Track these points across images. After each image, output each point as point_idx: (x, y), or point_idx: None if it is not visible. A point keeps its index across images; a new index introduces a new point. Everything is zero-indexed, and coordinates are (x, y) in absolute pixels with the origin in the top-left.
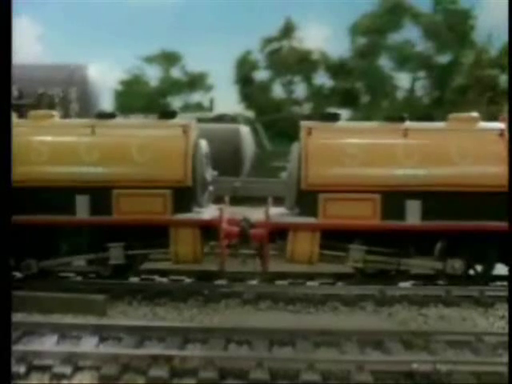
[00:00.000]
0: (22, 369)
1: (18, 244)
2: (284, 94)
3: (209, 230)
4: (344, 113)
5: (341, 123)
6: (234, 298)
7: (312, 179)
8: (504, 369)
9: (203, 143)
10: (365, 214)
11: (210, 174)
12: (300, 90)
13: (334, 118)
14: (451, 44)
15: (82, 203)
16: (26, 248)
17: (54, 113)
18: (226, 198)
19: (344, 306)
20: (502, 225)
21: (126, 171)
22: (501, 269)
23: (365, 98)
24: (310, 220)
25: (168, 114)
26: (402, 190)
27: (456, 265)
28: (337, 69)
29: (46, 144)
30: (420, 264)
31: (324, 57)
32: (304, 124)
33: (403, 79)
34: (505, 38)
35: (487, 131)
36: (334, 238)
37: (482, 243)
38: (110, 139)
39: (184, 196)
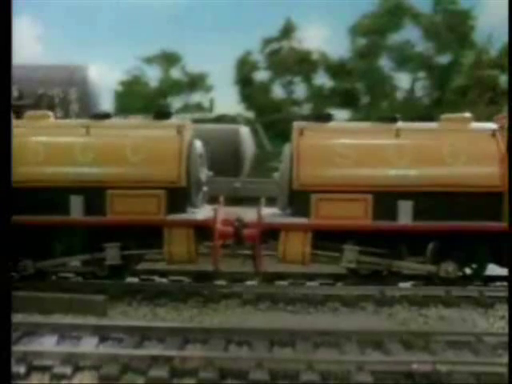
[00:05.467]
0: (22, 369)
1: (14, 245)
2: (284, 95)
3: (203, 230)
4: (344, 113)
5: (333, 124)
6: (233, 299)
7: (304, 179)
8: (504, 369)
9: (198, 143)
10: (357, 214)
11: (204, 174)
12: (300, 90)
13: (327, 118)
14: (451, 44)
15: (77, 203)
16: (22, 249)
17: (50, 113)
18: (221, 198)
19: (344, 307)
20: (494, 225)
21: (120, 171)
22: (501, 269)
23: (365, 99)
24: (302, 220)
25: (163, 114)
26: (394, 191)
27: (449, 268)
28: (337, 69)
29: (41, 144)
30: (413, 267)
31: (324, 57)
32: (296, 125)
33: (403, 80)
34: (505, 38)
35: (479, 131)
36: (328, 239)
37: (474, 243)
38: (104, 140)
39: (178, 196)
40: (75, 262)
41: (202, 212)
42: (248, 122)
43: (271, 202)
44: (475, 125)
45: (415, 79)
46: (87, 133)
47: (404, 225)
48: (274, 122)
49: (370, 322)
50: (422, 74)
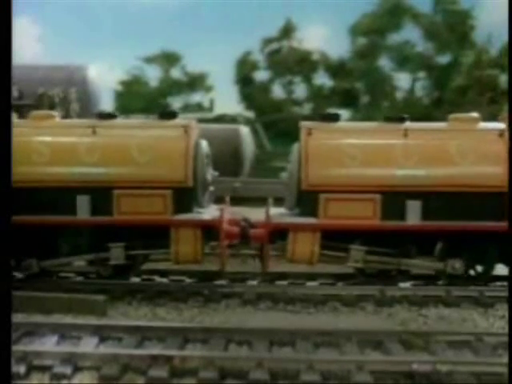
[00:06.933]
0: (22, 369)
1: (18, 244)
2: (284, 95)
3: (209, 231)
4: (344, 113)
5: (341, 123)
6: (234, 299)
7: (312, 179)
8: (504, 369)
9: (204, 143)
10: (365, 214)
11: (210, 174)
12: (300, 90)
13: (334, 118)
14: (451, 44)
15: (83, 203)
16: (26, 248)
17: (55, 113)
18: (227, 199)
19: (344, 307)
20: (502, 225)
21: (126, 171)
22: (501, 269)
23: (365, 99)
24: (311, 220)
25: (168, 114)
26: (403, 191)
27: (456, 265)
28: (337, 69)
29: (46, 144)
30: (420, 264)
31: (324, 57)
32: (304, 124)
33: (403, 79)
34: (505, 38)
35: (487, 131)
36: (335, 239)
37: (482, 243)
38: (110, 139)
39: (185, 196)
40: (80, 261)
41: (209, 212)
42: (248, 122)
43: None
44: (483, 125)
45: (415, 79)
46: (93, 133)
47: (412, 225)
48: (274, 122)
49: (370, 322)
50: (422, 74)
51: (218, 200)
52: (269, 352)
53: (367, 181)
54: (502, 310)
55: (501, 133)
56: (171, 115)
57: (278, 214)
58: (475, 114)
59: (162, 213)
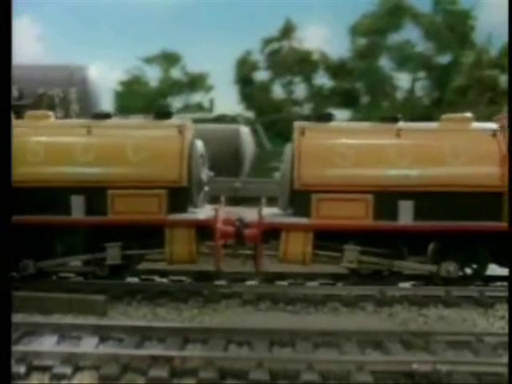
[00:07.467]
0: (22, 369)
1: (14, 245)
2: (284, 95)
3: (204, 230)
4: (344, 113)
5: (334, 123)
6: (234, 299)
7: (305, 179)
8: (504, 369)
9: (199, 143)
10: (357, 214)
11: (205, 174)
12: (300, 90)
13: (328, 118)
14: (451, 44)
15: (78, 203)
16: (23, 249)
17: (50, 113)
18: (222, 198)
19: (344, 307)
20: (495, 225)
21: (121, 171)
22: (501, 269)
23: (365, 99)
24: (303, 220)
25: (164, 114)
26: (395, 191)
27: (450, 268)
28: (337, 69)
29: (41, 144)
30: (414, 267)
31: (324, 57)
32: (297, 124)
33: (403, 80)
34: (505, 38)
35: (480, 131)
36: (329, 239)
37: (474, 243)
38: (105, 139)
39: (179, 196)
40: (76, 261)
41: (203, 212)
42: (248, 122)
43: (271, 201)
44: (476, 125)
45: (415, 79)
46: (88, 133)
47: (404, 225)
48: (273, 122)
49: (370, 322)
50: (422, 74)
51: (217, 200)
52: (269, 352)
53: (360, 181)
54: (502, 310)
55: (494, 133)
56: (166, 115)
57: (271, 213)
58: (468, 114)
59: (156, 213)
